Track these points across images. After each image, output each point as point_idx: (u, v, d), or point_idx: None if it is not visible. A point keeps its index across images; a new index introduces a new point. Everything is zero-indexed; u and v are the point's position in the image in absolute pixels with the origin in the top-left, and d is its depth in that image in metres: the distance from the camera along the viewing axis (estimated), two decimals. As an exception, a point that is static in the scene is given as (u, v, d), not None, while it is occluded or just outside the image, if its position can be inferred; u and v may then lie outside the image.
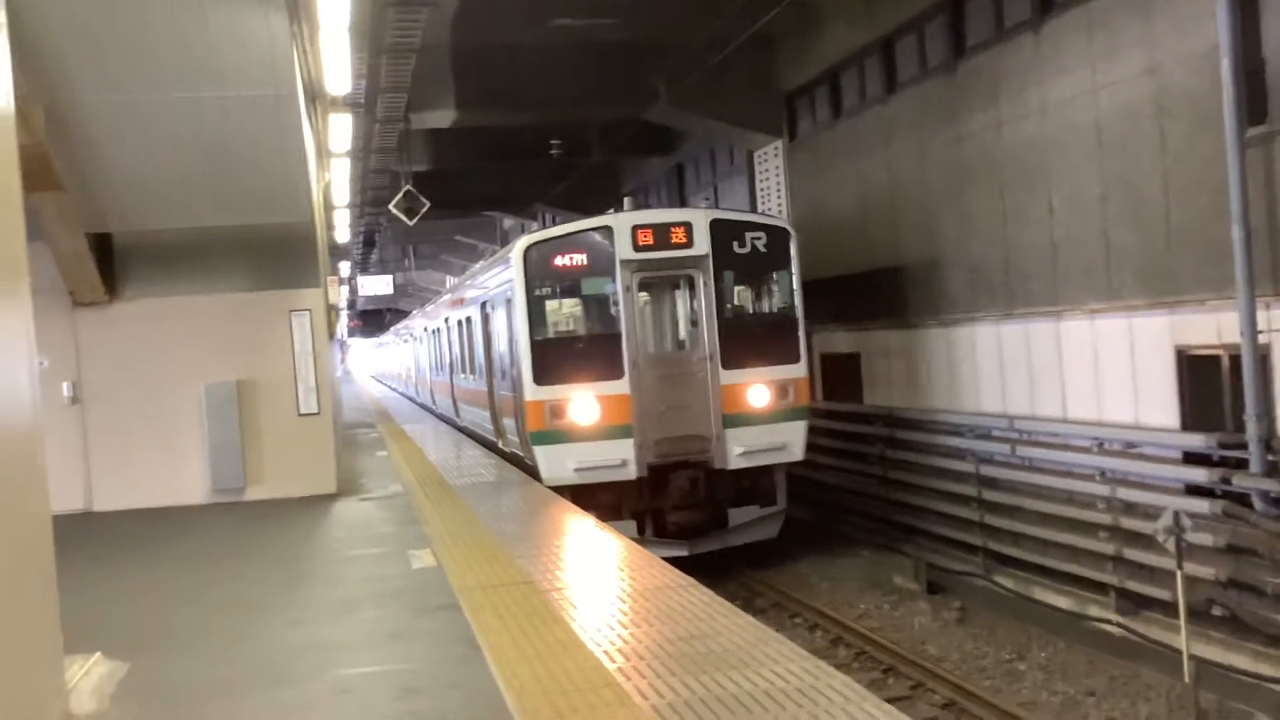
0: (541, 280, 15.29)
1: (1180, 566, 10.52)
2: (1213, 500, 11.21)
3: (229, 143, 12.27)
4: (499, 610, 7.72)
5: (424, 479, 15.55)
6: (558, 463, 14.81)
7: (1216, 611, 11.14)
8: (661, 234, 15.18)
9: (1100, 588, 12.92)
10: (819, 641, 13.11)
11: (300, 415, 14.45)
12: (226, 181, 12.90)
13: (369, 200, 29.46)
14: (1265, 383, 10.85)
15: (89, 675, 6.55)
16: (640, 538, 14.29)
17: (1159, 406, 12.55)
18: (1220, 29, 10.86)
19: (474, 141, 27.75)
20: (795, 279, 15.87)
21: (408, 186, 22.73)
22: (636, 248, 15.07)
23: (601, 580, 8.87)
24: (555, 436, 14.86)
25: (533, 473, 15.19)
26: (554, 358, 15.09)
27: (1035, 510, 14.03)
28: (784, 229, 16.01)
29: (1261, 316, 10.83)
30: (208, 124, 11.96)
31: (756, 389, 15.25)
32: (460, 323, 22.35)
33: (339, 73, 13.31)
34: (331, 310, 19.35)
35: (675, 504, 15.10)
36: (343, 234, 28.96)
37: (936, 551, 15.91)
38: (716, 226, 15.34)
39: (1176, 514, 10.53)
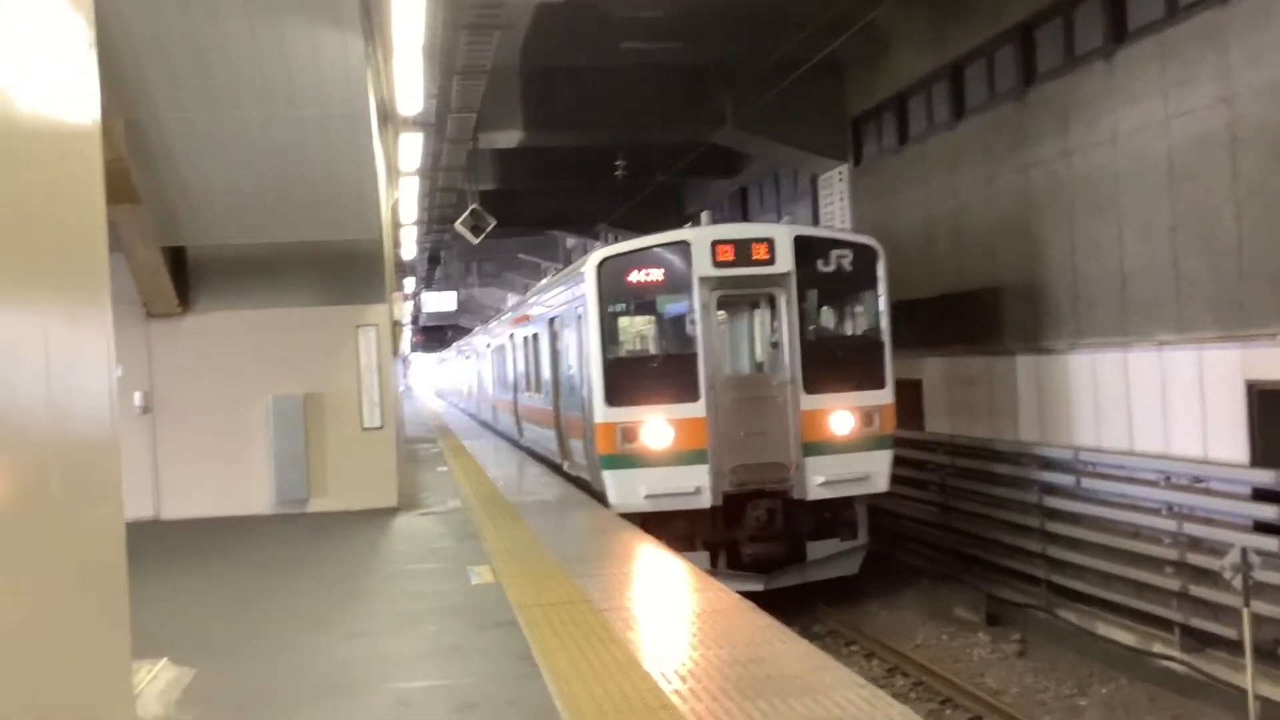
0: (615, 296, 14.64)
1: (1247, 604, 10.32)
2: (1283, 538, 10.99)
3: (302, 160, 12.50)
4: (557, 628, 7.76)
5: (483, 495, 15.66)
6: (628, 488, 14.13)
7: (1284, 652, 10.90)
8: (742, 250, 14.48)
9: (1165, 624, 12.70)
10: (876, 670, 13.00)
11: (364, 429, 14.64)
12: (299, 198, 13.13)
13: (435, 218, 29.75)
14: (1339, 419, 10.63)
15: (156, 681, 6.69)
16: (713, 570, 13.64)
17: (1228, 441, 12.33)
18: (1297, 60, 10.71)
19: (539, 161, 27.98)
20: (883, 300, 15.02)
21: (474, 205, 22.95)
22: (715, 264, 14.37)
23: (659, 601, 8.88)
24: (626, 461, 14.20)
25: (600, 498, 14.58)
26: (626, 378, 14.43)
27: (1099, 543, 13.83)
28: (871, 247, 15.12)
29: (1336, 352, 10.62)
30: (282, 142, 12.19)
31: (839, 415, 14.49)
32: (526, 339, 21.89)
33: (411, 93, 13.51)
34: (396, 326, 19.59)
35: (751, 535, 14.35)
36: (409, 251, 29.29)
37: (998, 583, 15.72)
38: (800, 243, 14.62)
39: (1244, 550, 10.34)
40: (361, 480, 14.58)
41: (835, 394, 14.50)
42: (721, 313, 14.97)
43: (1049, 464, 15.22)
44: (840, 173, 23.18)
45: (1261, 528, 11.38)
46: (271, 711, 6.53)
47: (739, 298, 14.97)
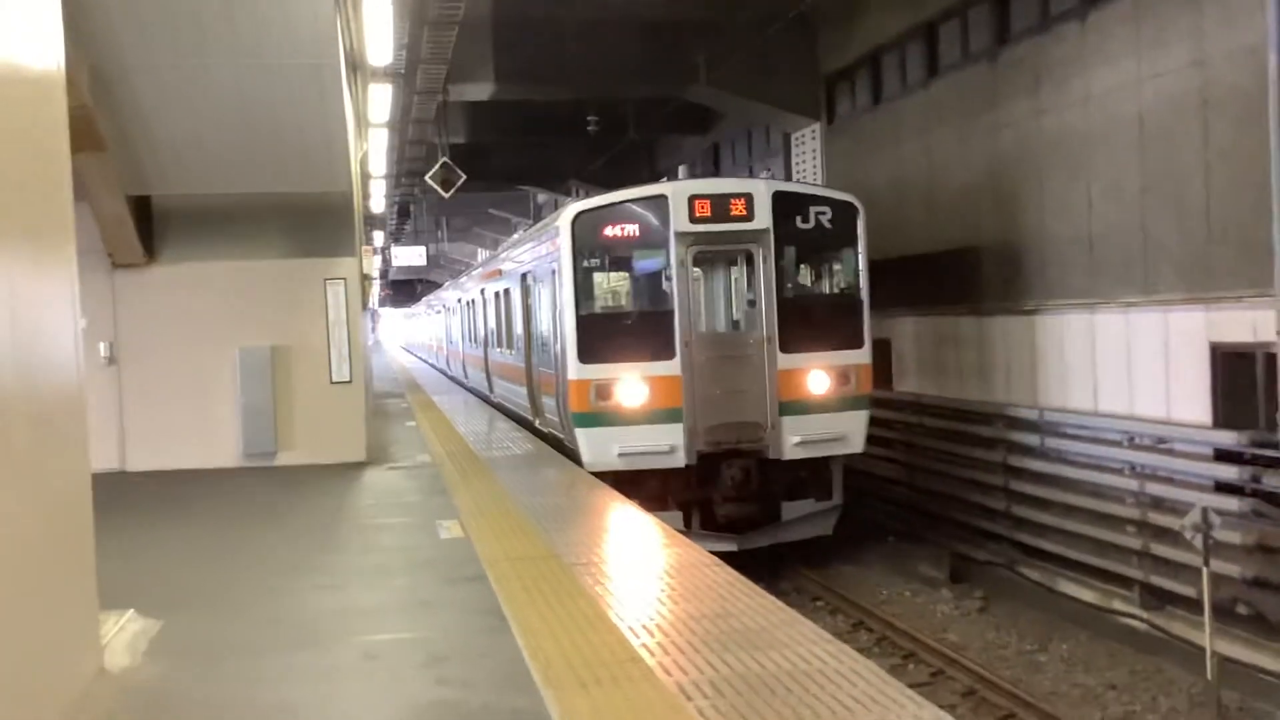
0: (590, 251, 14.38)
1: (1207, 563, 10.49)
2: (1242, 498, 11.16)
3: (270, 110, 12.34)
4: (526, 583, 7.79)
5: (452, 451, 15.65)
6: (601, 447, 14.04)
7: (1241, 610, 11.11)
8: (720, 205, 14.25)
9: (1125, 582, 12.90)
10: (841, 625, 13.15)
11: (332, 383, 14.57)
12: (267, 148, 12.98)
13: (405, 171, 29.54)
14: (1300, 382, 10.77)
15: (123, 632, 6.67)
16: (687, 530, 13.64)
17: (1191, 402, 12.48)
18: (1269, 23, 10.74)
19: (511, 115, 27.77)
20: (862, 258, 14.85)
21: (444, 159, 22.77)
22: (693, 219, 14.13)
23: (628, 557, 8.93)
24: (599, 419, 14.08)
25: (572, 455, 14.48)
26: (601, 335, 14.26)
27: (1063, 502, 14.00)
28: (851, 204, 14.89)
29: (1299, 315, 10.73)
30: (250, 91, 12.03)
31: (816, 375, 14.35)
32: (498, 294, 21.68)
33: (381, 44, 13.36)
34: (365, 280, 19.46)
35: (725, 495, 14.26)
36: (378, 204, 29.12)
37: (962, 540, 15.89)
38: (779, 199, 14.39)
39: (1205, 510, 10.49)
40: (330, 434, 14.53)
41: (812, 353, 14.37)
42: (697, 270, 14.79)
43: (1014, 423, 15.35)
44: (813, 131, 23.14)
45: (1222, 488, 11.55)
46: (239, 662, 6.53)
47: (716, 254, 14.81)
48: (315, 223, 14.62)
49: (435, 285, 54.44)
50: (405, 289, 70.82)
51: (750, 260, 14.49)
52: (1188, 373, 12.53)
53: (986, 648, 12.37)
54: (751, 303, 14.60)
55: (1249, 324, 11.61)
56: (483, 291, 24.61)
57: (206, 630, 7.25)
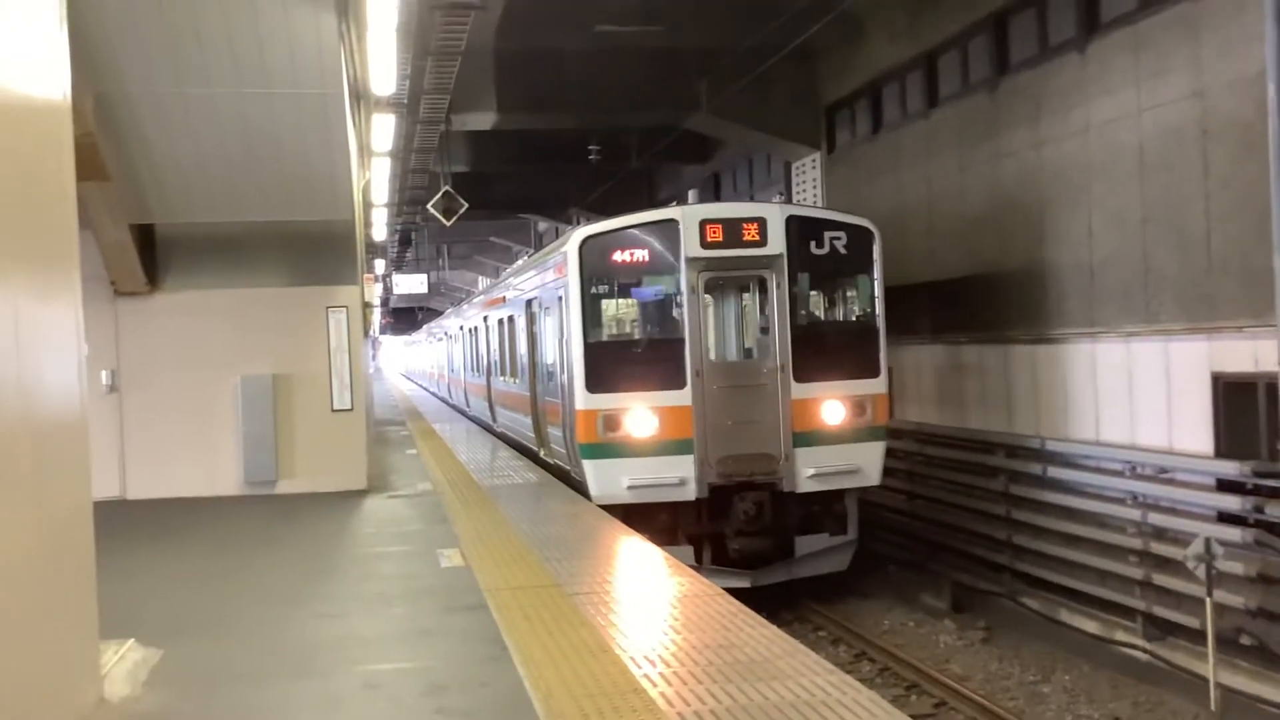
0: (598, 277, 14.06)
1: (1210, 594, 10.45)
2: (1245, 528, 11.13)
3: (274, 139, 12.40)
4: (527, 612, 7.77)
5: (453, 479, 15.63)
6: (609, 479, 13.63)
7: (1245, 640, 11.06)
8: (732, 230, 13.90)
9: (1128, 612, 12.86)
10: (843, 655, 13.09)
11: (334, 411, 14.56)
12: (270, 177, 13.03)
13: (407, 199, 29.61)
14: (1302, 412, 10.76)
15: (123, 661, 6.64)
16: (698, 566, 13.19)
17: (1193, 432, 12.47)
18: (1268, 53, 10.79)
19: (512, 144, 27.87)
20: (877, 284, 14.48)
21: (446, 187, 22.84)
22: (704, 244, 13.78)
23: (630, 586, 8.90)
24: (608, 450, 13.69)
25: (579, 488, 14.07)
26: (609, 363, 13.91)
27: (1065, 532, 13.96)
28: (867, 229, 14.52)
29: (1300, 345, 10.74)
30: (254, 120, 12.09)
31: (831, 405, 13.94)
32: (502, 321, 21.29)
33: (384, 73, 13.43)
34: (367, 307, 19.50)
35: (738, 529, 13.80)
36: (380, 232, 29.18)
37: (964, 570, 15.84)
38: (793, 224, 14.04)
39: (1208, 541, 10.46)
40: (330, 462, 14.52)
41: (827, 382, 13.98)
42: (708, 296, 14.41)
43: (1015, 452, 15.33)
44: (813, 160, 23.23)
45: (1225, 518, 11.52)
46: (239, 692, 6.50)
47: (728, 280, 14.41)
48: (317, 251, 14.65)
49: (436, 313, 54.50)
50: (406, 316, 70.84)
51: (763, 286, 14.12)
52: (1189, 403, 12.53)
53: (989, 678, 12.30)
54: (764, 330, 14.26)
55: (1250, 354, 11.61)
56: (485, 319, 24.29)
57: (207, 659, 7.22)
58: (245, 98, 11.76)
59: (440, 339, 40.91)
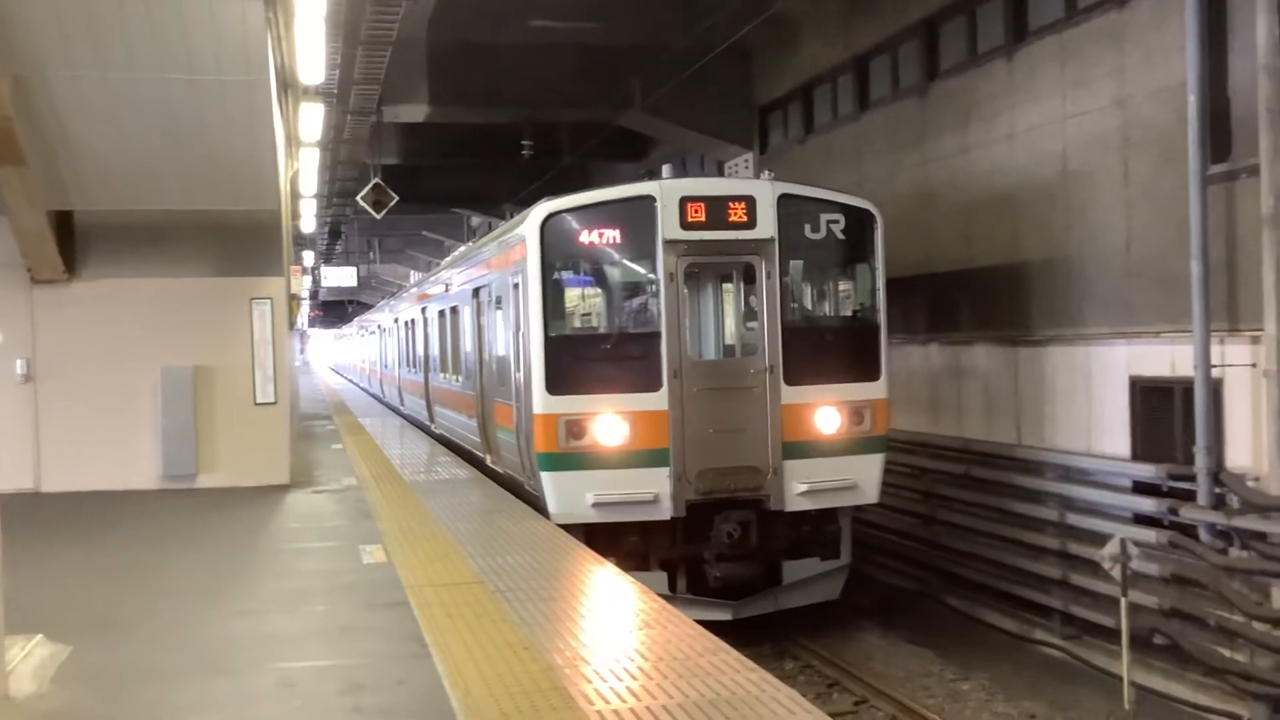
0: (562, 260, 12.37)
1: (1124, 594, 10.65)
2: (1160, 530, 11.36)
3: (198, 126, 12.17)
4: (449, 609, 7.70)
5: (379, 474, 15.46)
6: (571, 495, 11.92)
7: (1158, 640, 11.28)
8: (716, 209, 12.20)
9: (1046, 611, 13.07)
10: (765, 653, 13.13)
11: (257, 404, 14.34)
12: (193, 165, 12.79)
13: (337, 191, 29.32)
14: (1216, 416, 11.01)
15: (30, 657, 6.47)
16: (671, 594, 11.97)
17: (1113, 435, 12.70)
18: (1189, 64, 11.03)
19: (445, 137, 27.68)
20: (879, 275, 12.94)
21: (376, 179, 22.63)
22: (685, 225, 12.09)
23: (554, 583, 8.85)
24: (570, 461, 11.97)
25: (535, 503, 12.45)
26: (573, 360, 12.20)
27: (987, 531, 14.15)
28: (868, 211, 12.95)
29: (1215, 351, 10.99)
30: (177, 106, 11.86)
31: (825, 411, 12.39)
32: (443, 313, 19.59)
33: (313, 62, 13.24)
34: (293, 300, 19.24)
35: (719, 553, 12.24)
36: (308, 224, 28.82)
37: (889, 569, 16.00)
38: (785, 204, 12.39)
39: (1123, 541, 10.66)
40: (252, 456, 14.29)
41: (821, 385, 12.43)
42: (686, 285, 12.53)
43: (939, 454, 15.52)
44: (746, 160, 23.33)
45: (1141, 520, 11.74)
46: (151, 689, 6.37)
47: (711, 267, 12.59)
48: (242, 241, 14.41)
49: (367, 306, 53.99)
50: (336, 310, 70.17)
51: (750, 275, 12.50)
52: (1109, 406, 12.76)
53: (910, 675, 12.43)
54: (750, 326, 12.77)
55: (1168, 359, 11.85)
56: (424, 310, 22.61)
57: (119, 656, 7.07)
58: (169, 83, 11.53)
59: (372, 332, 39.10)
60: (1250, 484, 10.69)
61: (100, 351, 14.11)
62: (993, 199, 15.02)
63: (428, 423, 22.24)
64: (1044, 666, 12.55)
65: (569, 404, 12.00)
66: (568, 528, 11.15)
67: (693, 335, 12.51)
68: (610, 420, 11.96)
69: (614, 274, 12.65)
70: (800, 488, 12.29)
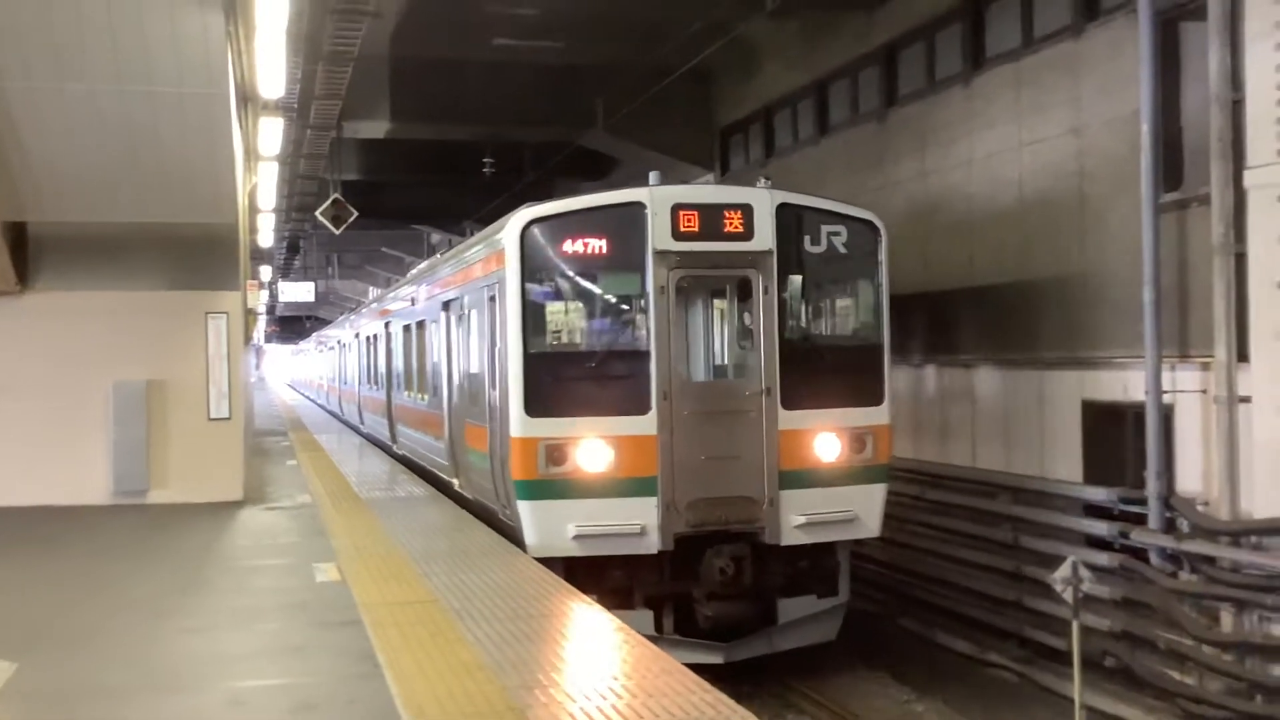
0: (543, 272, 11.49)
1: (1076, 616, 10.73)
2: (1111, 553, 11.46)
3: (155, 139, 12.07)
4: (402, 628, 7.64)
5: (334, 491, 15.35)
6: (551, 526, 11.04)
7: (1109, 663, 11.38)
8: (710, 219, 11.40)
9: (1001, 634, 13.15)
10: (720, 672, 13.10)
11: (210, 419, 14.22)
12: (150, 178, 12.68)
13: (295, 206, 29.11)
14: (1166, 441, 11.15)
15: (-28, 675, 6.36)
16: (658, 636, 11.02)
17: (1065, 458, 12.83)
18: (1143, 94, 11.20)
19: (406, 154, 27.62)
20: (883, 291, 12.17)
21: (336, 195, 22.52)
22: (677, 235, 11.28)
23: (511, 602, 8.80)
24: (550, 489, 11.08)
25: (510, 534, 11.55)
26: (555, 380, 11.37)
27: (942, 553, 14.24)
28: (871, 223, 12.25)
29: (1166, 377, 11.13)
30: (135, 119, 11.77)
31: (825, 438, 11.56)
32: (409, 328, 18.68)
33: (273, 76, 13.17)
34: (250, 315, 19.09)
35: (710, 591, 11.32)
36: (266, 238, 28.62)
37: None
38: (785, 214, 11.60)
39: (1075, 564, 10.74)
40: (206, 472, 14.15)
41: (821, 410, 11.60)
42: (680, 299, 11.84)
43: (893, 475, 15.57)
44: (708, 181, 23.42)
45: (1093, 542, 11.86)
46: (97, 708, 6.27)
47: (704, 280, 11.97)
48: (198, 255, 14.30)
49: (325, 322, 53.64)
50: (293, 325, 69.62)
51: (746, 290, 11.69)
52: (1062, 429, 12.89)
53: (865, 696, 12.45)
54: (744, 345, 12.00)
55: (1120, 384, 11.99)
56: (388, 324, 21.59)
57: (66, 674, 6.96)
58: (127, 95, 11.44)
59: (332, 347, 37.83)
60: (1200, 508, 10.83)
61: (52, 365, 13.95)
62: (950, 224, 15.17)
63: (390, 442, 21.40)
64: (1000, 689, 12.61)
65: (549, 427, 11.13)
66: (546, 561, 10.48)
67: (684, 354, 11.95)
68: (594, 445, 11.13)
69: (600, 287, 11.81)
70: (798, 520, 11.43)
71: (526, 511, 11.14)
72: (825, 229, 11.95)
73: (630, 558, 11.19)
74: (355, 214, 22.63)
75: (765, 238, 11.48)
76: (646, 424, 11.14)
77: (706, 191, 12.60)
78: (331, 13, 13.24)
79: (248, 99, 14.80)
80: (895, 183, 16.48)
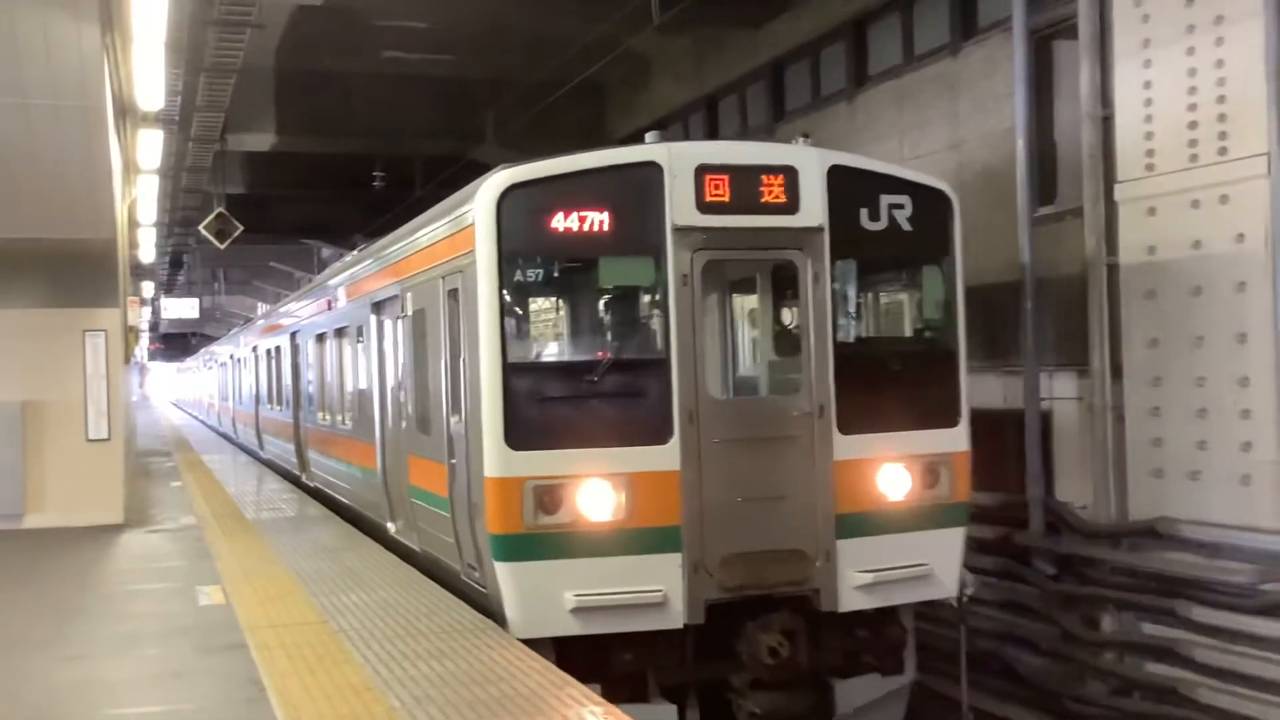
0: (529, 255, 8.42)
1: (962, 619, 10.96)
2: (995, 557, 11.75)
3: (28, 152, 11.71)
4: (289, 650, 7.50)
5: (220, 512, 15.00)
6: (541, 594, 8.20)
7: (995, 665, 11.65)
8: (745, 185, 8.57)
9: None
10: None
11: (89, 440, 13.81)
12: (23, 191, 12.28)
13: (179, 220, 28.53)
14: (1045, 447, 11.48)
15: None
16: None
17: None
18: (1017, 110, 11.55)
19: (294, 167, 27.23)
20: (957, 281, 9.32)
21: (220, 209, 22.10)
22: (702, 206, 8.47)
23: (398, 621, 8.70)
24: (540, 545, 8.23)
25: (482, 605, 8.68)
26: (544, 400, 8.43)
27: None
28: (944, 194, 9.38)
29: (1044, 384, 11.47)
30: (6, 131, 11.39)
31: (891, 470, 8.85)
32: (324, 336, 15.56)
33: (151, 88, 12.89)
34: (131, 332, 18.60)
35: (755, 676, 8.52)
36: (148, 254, 27.94)
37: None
38: (837, 178, 8.76)
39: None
40: (84, 494, 13.73)
41: (885, 433, 8.87)
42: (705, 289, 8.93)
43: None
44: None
45: (983, 547, 12.14)
46: (-35, 744, 6.05)
47: (736, 265, 9.26)
48: (75, 271, 13.89)
49: (211, 339, 52.54)
50: (178, 342, 68.06)
51: (791, 279, 8.91)
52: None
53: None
54: (782, 350, 9.40)
55: (1000, 392, 12.31)
56: (295, 334, 18.12)
57: (-70, 708, 6.69)
58: (-2, 107, 11.09)
59: (224, 363, 33.51)
60: (1079, 511, 11.16)
61: (-81, 385, 13.42)
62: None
63: (297, 472, 18.24)
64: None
65: (539, 463, 8.22)
66: (533, 644, 7.80)
67: (716, 364, 9.38)
68: (597, 486, 8.26)
69: (603, 275, 8.83)
70: (861, 579, 8.68)
71: (507, 577, 8.26)
72: (886, 200, 9.11)
73: (645, 635, 8.36)
74: (241, 228, 22.23)
75: (815, 211, 8.69)
76: (667, 457, 8.37)
77: (738, 150, 9.43)
78: (213, 24, 13.02)
79: (126, 111, 14.44)
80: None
